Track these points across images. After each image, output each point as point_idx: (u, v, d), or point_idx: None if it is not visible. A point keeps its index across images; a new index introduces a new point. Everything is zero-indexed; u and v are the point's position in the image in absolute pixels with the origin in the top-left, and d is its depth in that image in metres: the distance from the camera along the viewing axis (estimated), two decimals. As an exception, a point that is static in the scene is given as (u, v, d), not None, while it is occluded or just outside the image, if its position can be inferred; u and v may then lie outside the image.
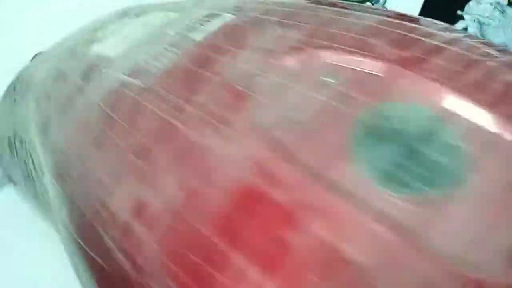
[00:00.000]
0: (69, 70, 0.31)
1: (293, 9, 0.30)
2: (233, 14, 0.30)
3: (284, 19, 0.29)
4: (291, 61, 0.26)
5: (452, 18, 0.51)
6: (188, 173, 0.22)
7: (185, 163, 0.22)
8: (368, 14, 0.29)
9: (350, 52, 0.26)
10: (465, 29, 0.51)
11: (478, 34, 0.50)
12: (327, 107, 0.24)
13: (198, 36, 0.29)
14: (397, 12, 0.30)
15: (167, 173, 0.22)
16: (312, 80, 0.25)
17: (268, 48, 0.27)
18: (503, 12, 0.49)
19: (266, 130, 0.23)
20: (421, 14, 0.52)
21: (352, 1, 0.54)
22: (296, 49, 0.26)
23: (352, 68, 0.25)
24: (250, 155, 0.22)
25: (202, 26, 0.30)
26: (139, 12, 0.36)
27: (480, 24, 0.50)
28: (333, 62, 0.25)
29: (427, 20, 0.29)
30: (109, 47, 0.31)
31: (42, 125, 0.29)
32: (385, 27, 0.28)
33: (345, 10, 0.29)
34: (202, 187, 0.21)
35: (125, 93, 0.26)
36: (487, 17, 0.50)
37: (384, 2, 0.54)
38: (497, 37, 0.50)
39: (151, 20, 0.33)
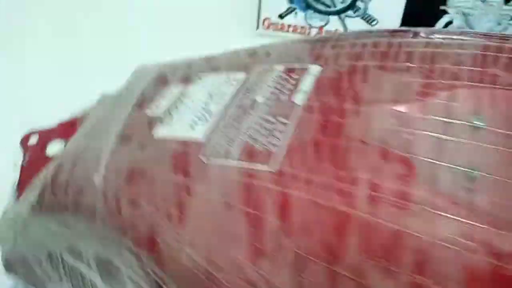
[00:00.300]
0: (148, 165, 0.26)
1: (379, 49, 0.27)
2: (318, 65, 0.27)
3: (381, 62, 0.26)
4: (428, 110, 0.23)
5: (436, 13, 0.51)
6: (403, 268, 0.19)
7: (390, 256, 0.19)
8: (457, 41, 0.27)
9: (479, 88, 0.24)
10: (450, 22, 0.51)
11: (464, 25, 0.51)
12: (498, 155, 0.21)
13: (299, 99, 0.25)
14: (479, 32, 0.28)
15: (379, 274, 0.19)
16: (462, 127, 0.22)
17: (392, 99, 0.24)
18: (484, 0, 0.50)
19: (456, 197, 0.20)
20: (405, 13, 0.51)
21: (333, 11, 0.53)
22: (424, 95, 0.24)
23: (492, 105, 0.23)
24: (462, 233, 0.19)
25: (294, 86, 0.26)
26: (184, 76, 0.31)
27: (465, 15, 0.50)
28: (471, 102, 0.23)
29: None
30: (184, 128, 0.27)
31: (143, 237, 0.24)
32: (488, 52, 0.26)
33: (435, 41, 0.27)
34: (430, 284, 0.18)
35: (255, 183, 0.22)
36: (470, 8, 0.50)
37: (366, 9, 0.52)
38: (482, 25, 0.51)
39: (213, 86, 0.29)
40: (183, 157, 0.25)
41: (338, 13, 0.53)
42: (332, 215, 0.20)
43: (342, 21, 0.53)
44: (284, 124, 0.24)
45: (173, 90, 0.30)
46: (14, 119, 0.44)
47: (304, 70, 0.26)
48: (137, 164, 0.26)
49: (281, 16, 0.55)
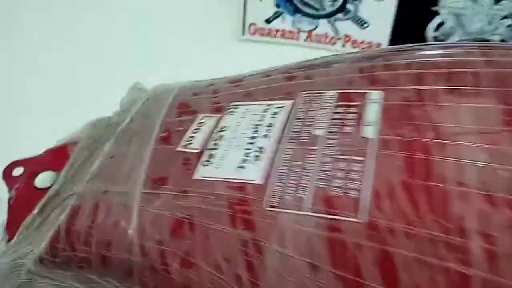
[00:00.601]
0: (197, 215, 0.22)
1: (440, 69, 0.24)
2: (378, 89, 0.23)
3: (449, 85, 0.23)
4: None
5: (428, 15, 0.49)
6: None
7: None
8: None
9: None
10: (442, 23, 0.49)
11: (456, 26, 0.49)
12: None
13: (370, 132, 0.21)
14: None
15: None
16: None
17: (476, 130, 0.21)
18: (474, 0, 0.48)
19: None
20: (396, 15, 0.49)
21: (323, 14, 0.49)
22: (509, 124, 0.21)
23: None
24: None
25: (357, 116, 0.22)
26: (214, 105, 0.27)
27: (456, 16, 0.48)
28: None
29: None
30: (233, 168, 0.23)
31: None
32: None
33: (495, 60, 0.24)
34: None
35: (344, 239, 0.19)
36: (461, 8, 0.48)
37: (357, 11, 0.49)
38: (473, 25, 0.49)
39: (254, 116, 0.25)
40: (241, 205, 0.21)
41: (328, 16, 0.50)
42: (447, 276, 0.17)
43: (332, 24, 0.50)
44: (361, 163, 0.20)
45: (206, 121, 0.25)
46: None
47: (363, 96, 0.23)
48: (182, 214, 0.22)
49: (268, 21, 0.51)
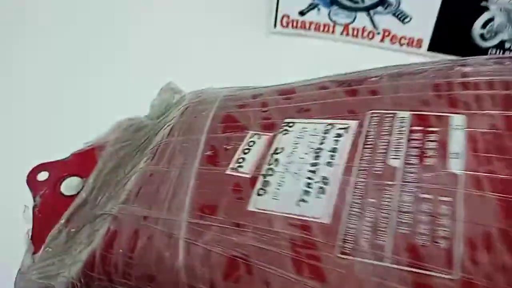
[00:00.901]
0: (254, 256, 0.19)
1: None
2: (461, 114, 0.20)
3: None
4: None
5: (475, 10, 0.45)
6: None
7: None
8: None
9: None
10: (491, 19, 0.45)
11: (506, 23, 0.45)
12: None
13: (458, 166, 0.18)
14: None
15: None
16: None
17: None
18: (528, -4, 0.44)
19: None
20: (441, 9, 0.45)
21: (361, 7, 0.46)
22: None
23: None
24: None
25: (439, 145, 0.19)
26: (264, 121, 0.23)
27: (508, 12, 0.44)
28: None
29: None
30: (293, 201, 0.20)
31: None
32: None
33: None
34: None
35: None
36: (513, 3, 0.44)
37: (399, 5, 0.46)
38: (524, 22, 0.45)
39: (314, 138, 0.22)
40: (307, 248, 0.18)
41: (367, 9, 0.46)
42: None
43: (371, 18, 0.46)
44: (450, 205, 0.17)
45: (256, 140, 0.22)
46: (17, 152, 0.36)
47: (444, 121, 0.20)
48: (236, 252, 0.19)
49: (301, 13, 0.48)
